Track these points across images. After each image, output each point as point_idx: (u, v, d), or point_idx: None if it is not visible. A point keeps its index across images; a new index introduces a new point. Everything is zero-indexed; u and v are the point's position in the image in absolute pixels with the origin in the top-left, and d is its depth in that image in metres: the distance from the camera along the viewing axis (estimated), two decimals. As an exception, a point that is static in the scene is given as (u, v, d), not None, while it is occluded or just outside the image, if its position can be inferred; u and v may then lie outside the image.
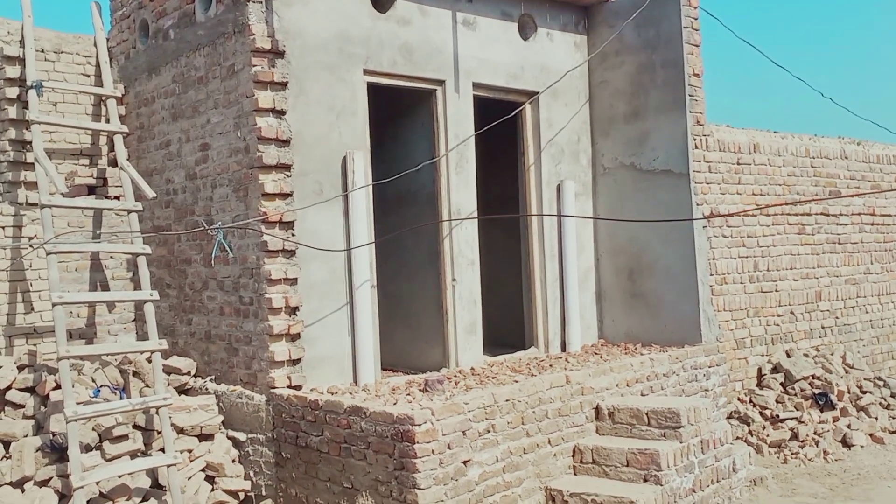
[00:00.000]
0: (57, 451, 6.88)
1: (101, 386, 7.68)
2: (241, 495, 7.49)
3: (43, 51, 9.06)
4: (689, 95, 9.24)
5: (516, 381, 7.60)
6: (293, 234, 7.74)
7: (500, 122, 9.00)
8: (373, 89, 8.57)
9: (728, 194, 9.92)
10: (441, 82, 8.88)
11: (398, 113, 9.48)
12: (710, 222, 9.63)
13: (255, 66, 7.62)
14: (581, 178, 10.05)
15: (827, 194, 11.16)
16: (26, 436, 7.10)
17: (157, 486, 7.16)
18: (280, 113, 7.72)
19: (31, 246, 8.36)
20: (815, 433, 9.67)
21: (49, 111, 8.98)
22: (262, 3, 7.67)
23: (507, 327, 10.73)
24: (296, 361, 7.72)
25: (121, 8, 9.58)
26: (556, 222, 9.79)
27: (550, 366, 8.61)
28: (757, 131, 10.63)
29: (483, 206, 9.77)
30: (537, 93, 9.63)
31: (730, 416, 9.82)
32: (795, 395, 10.04)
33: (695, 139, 9.36)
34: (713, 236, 9.75)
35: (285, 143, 7.73)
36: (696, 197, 9.32)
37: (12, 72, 8.70)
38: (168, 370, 8.15)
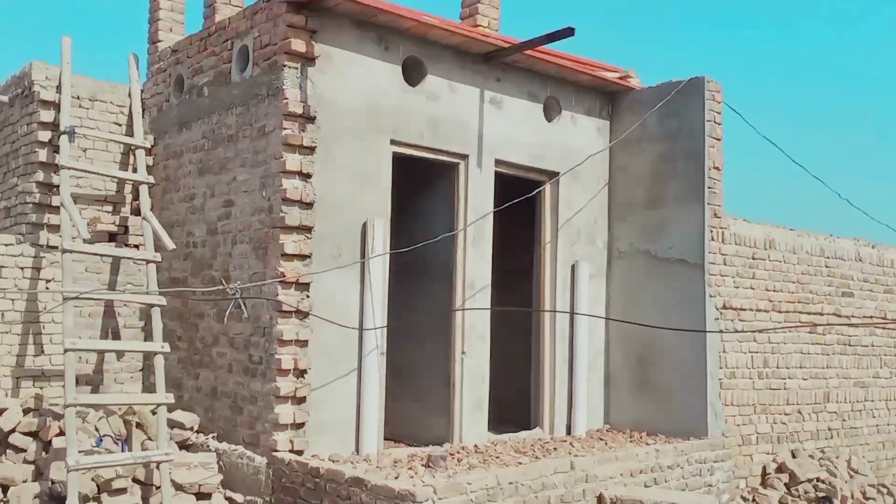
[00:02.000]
0: (55, 500, 6.81)
1: (104, 436, 7.63)
2: (234, 558, 7.37)
3: (78, 97, 9.25)
4: (709, 188, 9.34)
5: (520, 464, 7.52)
6: (308, 297, 7.77)
7: (520, 200, 9.09)
8: (397, 159, 8.69)
9: (742, 288, 9.94)
10: (465, 157, 9.00)
11: (420, 183, 9.59)
12: (722, 315, 9.63)
13: (285, 129, 7.75)
14: (596, 261, 10.10)
15: (840, 295, 11.17)
16: (25, 481, 7.04)
17: (150, 543, 7.06)
18: (306, 176, 7.82)
19: (48, 289, 8.40)
20: (817, 537, 9.50)
21: (79, 157, 9.12)
22: (297, 69, 7.84)
23: (513, 404, 10.65)
24: (300, 425, 7.67)
25: (158, 62, 9.80)
26: (568, 303, 9.80)
27: (555, 449, 8.53)
28: (773, 227, 10.70)
29: (497, 280, 9.80)
30: (558, 173, 9.74)
31: (732, 513, 9.66)
32: (799, 496, 9.89)
33: (711, 231, 9.43)
34: (725, 329, 9.74)
35: (309, 205, 7.81)
36: (709, 289, 9.35)
37: (47, 116, 8.87)
38: (171, 424, 8.10)
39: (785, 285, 10.52)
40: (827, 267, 11.11)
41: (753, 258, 10.14)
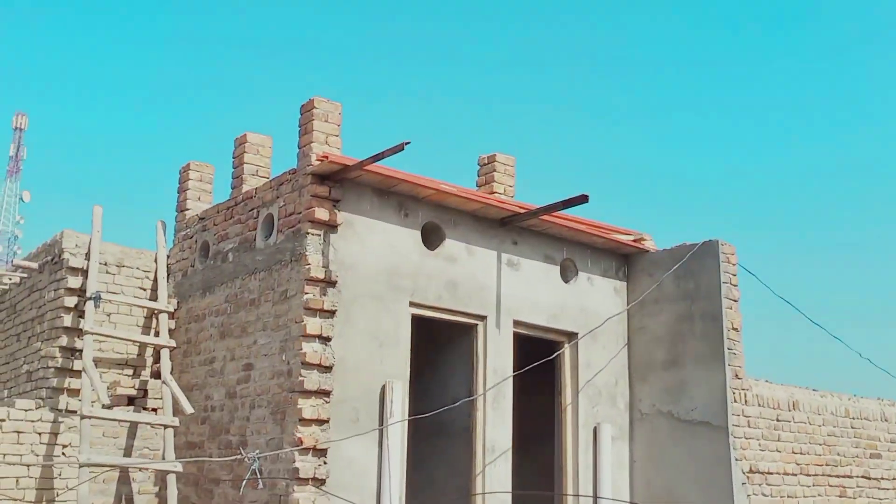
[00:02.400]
0: None
1: None
2: None
3: (106, 264, 9.49)
4: (728, 348, 9.30)
5: None
6: (325, 463, 7.65)
7: (540, 363, 9.08)
8: (416, 320, 8.75)
9: (767, 451, 9.70)
10: (483, 318, 9.06)
11: (439, 343, 9.61)
12: (749, 480, 9.36)
13: (307, 293, 7.88)
14: (618, 422, 9.94)
15: (868, 457, 10.87)
16: None
17: None
18: (326, 339, 7.89)
19: (64, 455, 8.33)
20: None
21: (102, 322, 9.25)
22: (320, 235, 8.06)
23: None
24: None
25: (185, 228, 10.11)
26: (591, 466, 9.58)
27: None
28: (796, 388, 10.57)
29: (517, 442, 9.63)
30: (576, 334, 9.76)
31: None
32: None
33: (733, 392, 9.32)
34: (752, 494, 9.44)
35: (328, 369, 7.83)
36: (734, 452, 9.14)
37: (74, 282, 9.08)
38: None
39: (811, 447, 10.26)
40: (853, 428, 10.87)
41: (778, 420, 9.95)
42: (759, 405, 9.80)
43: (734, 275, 9.60)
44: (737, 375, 9.40)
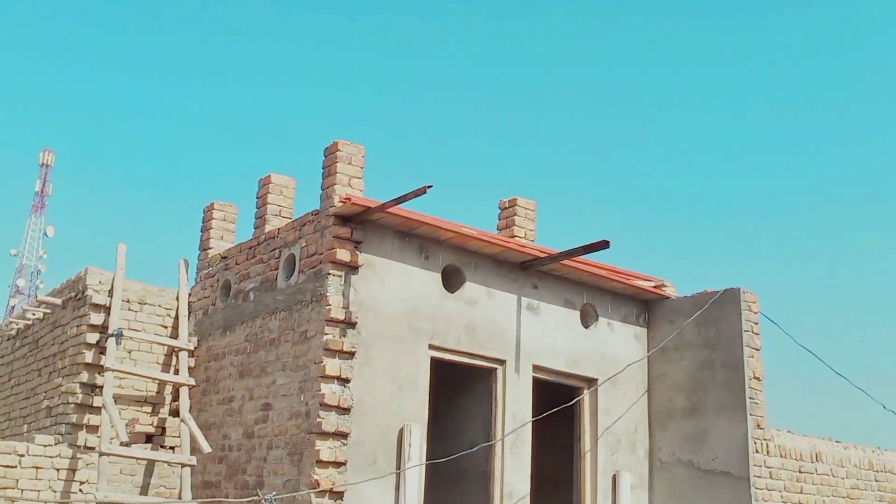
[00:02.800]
0: None
1: None
2: None
3: (128, 301, 9.56)
4: (750, 398, 9.20)
5: None
6: (342, 506, 7.59)
7: (559, 409, 9.01)
8: (435, 362, 8.72)
9: (790, 503, 9.53)
10: (502, 362, 9.02)
11: (457, 386, 9.56)
12: (771, 532, 9.19)
13: (327, 334, 7.90)
14: (637, 470, 9.82)
15: (894, 511, 10.65)
16: None
17: None
18: (344, 381, 7.88)
19: (81, 491, 8.32)
20: None
21: (123, 358, 9.30)
22: (341, 276, 8.10)
23: None
24: None
25: (207, 267, 10.18)
26: (609, 515, 9.44)
27: None
28: (818, 439, 10.41)
29: (535, 489, 9.53)
30: (596, 380, 9.69)
31: None
32: None
33: (755, 443, 9.19)
34: (775, 547, 9.26)
35: (346, 410, 7.81)
36: (756, 503, 8.98)
37: (97, 319, 9.15)
38: None
39: (834, 500, 10.07)
40: (877, 481, 10.67)
41: (800, 471, 9.79)
42: (782, 456, 9.66)
43: (756, 323, 9.53)
44: (759, 425, 9.28)
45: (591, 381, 9.71)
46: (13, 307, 51.20)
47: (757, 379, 9.35)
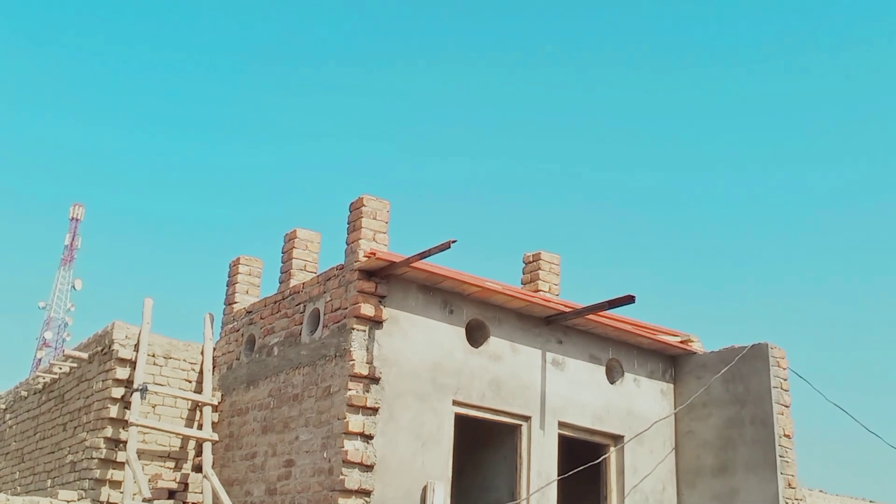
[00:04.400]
0: None
1: None
2: None
3: (153, 355, 9.61)
4: (780, 456, 9.02)
5: None
6: (365, 565, 7.48)
7: (585, 467, 8.88)
8: (458, 418, 8.64)
9: (824, 565, 9.28)
10: (527, 418, 8.93)
11: (481, 443, 9.46)
12: None
13: (350, 389, 7.87)
14: (665, 531, 9.60)
15: (934, 575, 10.31)
16: None
17: None
18: (368, 437, 7.82)
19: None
20: None
21: (147, 413, 9.31)
22: (365, 331, 8.10)
23: None
24: None
25: (232, 322, 10.23)
26: (637, 577, 9.22)
27: None
28: (852, 499, 10.15)
29: (560, 550, 9.34)
30: (622, 437, 9.55)
31: None
32: None
33: (786, 502, 8.97)
34: None
35: (369, 467, 7.75)
36: (790, 566, 8.75)
37: (122, 373, 9.19)
38: None
39: (872, 563, 9.77)
40: (916, 543, 10.35)
41: (834, 532, 9.54)
42: (815, 517, 9.42)
43: (785, 379, 9.39)
44: (790, 484, 9.07)
45: (617, 439, 9.57)
46: (40, 360, 51.58)
47: (787, 436, 9.18)
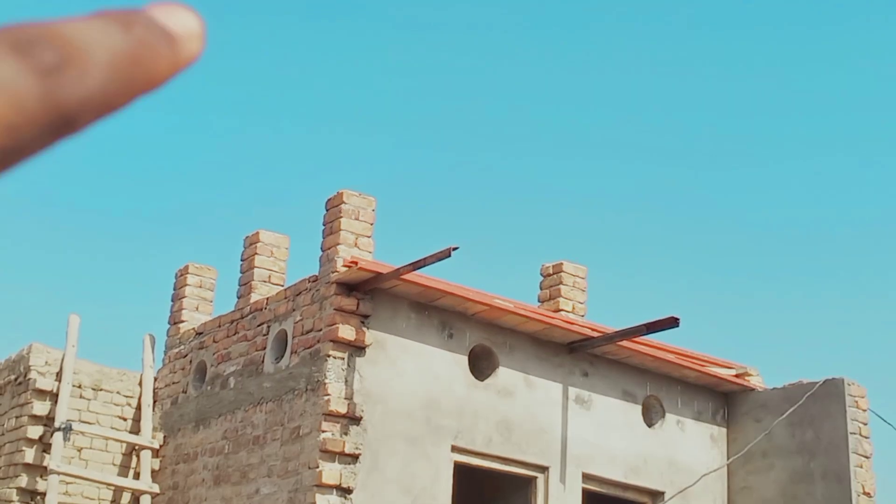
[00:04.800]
0: None
1: None
2: None
3: (80, 386, 9.52)
4: (859, 518, 8.96)
5: None
6: None
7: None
8: (460, 469, 8.59)
9: None
10: (544, 469, 8.88)
11: (487, 499, 9.42)
12: None
13: (324, 431, 7.79)
14: None
15: None
16: None
17: None
18: (346, 491, 7.75)
19: None
20: None
21: (72, 458, 9.22)
22: (344, 359, 8.02)
23: None
24: None
25: (178, 345, 10.15)
26: None
27: None
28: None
29: None
30: (663, 493, 9.49)
31: None
32: None
33: (868, 577, 8.91)
34: None
35: (347, 529, 7.67)
36: None
37: (40, 408, 9.10)
38: None
39: None
40: None
41: None
42: None
43: (864, 423, 9.34)
44: (870, 554, 9.00)
45: (655, 495, 9.52)
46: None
47: (867, 495, 9.14)
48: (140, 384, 9.92)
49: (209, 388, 9.47)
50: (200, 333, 9.89)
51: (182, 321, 10.28)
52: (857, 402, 9.34)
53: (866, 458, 9.25)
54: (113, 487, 9.44)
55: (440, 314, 8.55)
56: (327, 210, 8.60)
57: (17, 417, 9.30)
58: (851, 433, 9.22)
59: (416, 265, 7.79)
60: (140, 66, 0.21)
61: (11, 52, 0.20)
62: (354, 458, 7.86)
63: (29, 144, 0.21)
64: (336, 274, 8.16)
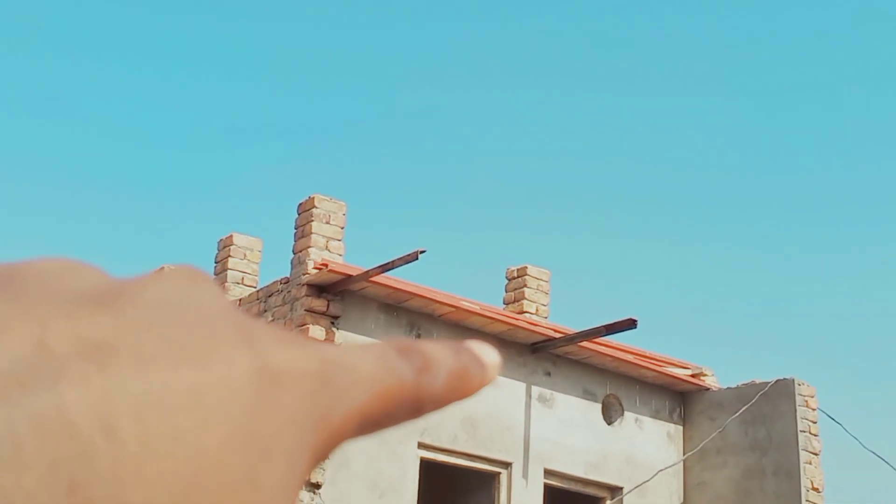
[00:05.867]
0: None
1: None
2: None
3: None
4: (808, 513, 8.98)
5: None
6: None
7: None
8: (425, 465, 8.56)
9: None
10: (507, 465, 8.86)
11: (452, 494, 9.38)
12: None
13: (294, 429, 7.71)
14: None
15: None
16: None
17: None
18: (315, 486, 7.69)
19: None
20: None
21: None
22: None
23: None
24: None
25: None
26: None
27: None
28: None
29: None
30: (621, 488, 9.49)
31: None
32: None
33: (815, 568, 8.93)
34: None
35: (315, 524, 7.58)
36: None
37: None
38: None
39: None
40: None
41: None
42: (848, 586, 9.37)
43: (814, 422, 9.38)
44: (819, 547, 9.02)
45: (614, 490, 9.51)
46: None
47: (816, 490, 9.17)
48: (116, 382, 9.80)
49: (183, 385, 9.37)
50: (175, 333, 9.79)
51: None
52: (806, 401, 9.38)
53: (815, 454, 9.29)
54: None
55: (408, 315, 8.51)
56: (299, 214, 8.55)
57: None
58: (801, 431, 9.26)
59: (385, 268, 7.75)
60: (463, 381, 0.28)
61: (397, 354, 0.27)
62: (323, 454, 7.79)
63: (395, 417, 0.27)
64: (307, 276, 8.11)
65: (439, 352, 0.28)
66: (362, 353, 0.27)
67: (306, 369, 0.25)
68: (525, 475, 8.92)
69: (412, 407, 0.27)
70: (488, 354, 0.30)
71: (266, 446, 0.24)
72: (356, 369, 0.27)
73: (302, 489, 0.29)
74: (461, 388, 0.29)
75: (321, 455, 0.25)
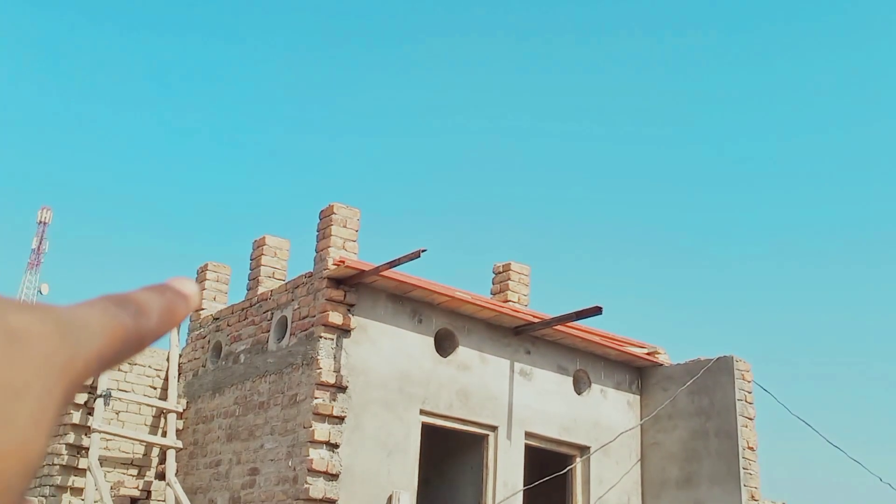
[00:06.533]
0: None
1: None
2: None
3: (118, 361, 9.47)
4: (744, 468, 9.08)
5: None
6: (329, 575, 7.42)
7: (551, 477, 8.88)
8: (426, 427, 8.62)
9: (786, 578, 9.34)
10: (494, 428, 8.92)
11: (447, 453, 9.43)
12: None
13: (317, 398, 7.82)
14: (630, 542, 9.62)
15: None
16: None
17: None
18: (333, 446, 7.77)
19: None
20: None
21: (111, 420, 9.19)
22: (333, 340, 8.06)
23: None
24: None
25: (199, 328, 10.13)
26: (601, 588, 9.23)
27: None
28: (814, 511, 10.24)
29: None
30: (589, 448, 9.56)
31: None
32: None
33: (750, 514, 9.03)
34: None
35: (334, 476, 7.69)
36: (752, 577, 8.80)
37: (86, 378, 9.05)
38: None
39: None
40: (876, 555, 10.46)
41: (796, 544, 9.61)
42: (777, 529, 9.49)
43: (749, 392, 9.45)
44: (753, 497, 9.14)
45: (583, 449, 9.58)
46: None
47: (751, 449, 9.23)
48: (167, 360, 9.89)
49: (224, 363, 9.46)
50: (217, 319, 9.88)
51: (202, 309, 10.26)
52: (743, 375, 9.45)
53: (750, 419, 9.36)
54: (144, 443, 9.41)
55: (412, 303, 8.59)
56: (320, 219, 8.61)
57: (66, 386, 9.24)
58: (738, 400, 9.33)
59: (392, 264, 7.82)
60: (172, 314, 0.30)
61: (115, 305, 0.29)
62: (341, 419, 7.89)
63: (124, 354, 0.30)
64: (327, 271, 8.18)
65: (148, 295, 0.32)
66: (89, 309, 0.30)
67: (44, 329, 0.28)
68: (509, 437, 8.99)
69: (136, 344, 0.32)
70: (188, 287, 0.35)
71: (17, 391, 0.26)
72: (87, 323, 0.29)
73: (56, 424, 0.32)
74: (171, 320, 0.34)
75: (71, 393, 0.28)
